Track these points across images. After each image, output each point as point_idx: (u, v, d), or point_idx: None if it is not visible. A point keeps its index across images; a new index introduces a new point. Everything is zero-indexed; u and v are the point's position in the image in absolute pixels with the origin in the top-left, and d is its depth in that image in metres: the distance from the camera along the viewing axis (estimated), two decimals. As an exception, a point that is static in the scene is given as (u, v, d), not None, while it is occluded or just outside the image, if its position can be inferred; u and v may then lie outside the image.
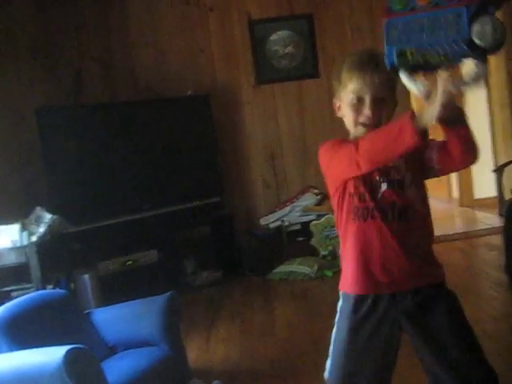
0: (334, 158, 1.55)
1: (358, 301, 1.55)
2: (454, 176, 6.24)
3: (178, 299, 2.67)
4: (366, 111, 1.53)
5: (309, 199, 4.93)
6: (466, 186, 6.24)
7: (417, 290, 1.53)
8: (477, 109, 5.78)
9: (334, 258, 4.64)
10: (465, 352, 1.50)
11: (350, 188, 1.55)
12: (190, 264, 4.64)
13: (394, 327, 1.53)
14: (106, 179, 4.39)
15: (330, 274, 4.39)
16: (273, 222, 4.93)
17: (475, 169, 5.41)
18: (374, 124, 1.53)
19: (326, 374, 1.63)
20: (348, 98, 1.56)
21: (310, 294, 4.05)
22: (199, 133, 4.87)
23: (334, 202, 1.61)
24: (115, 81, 5.04)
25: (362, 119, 1.54)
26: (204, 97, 4.91)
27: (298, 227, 4.88)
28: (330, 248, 4.67)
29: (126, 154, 4.50)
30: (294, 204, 4.93)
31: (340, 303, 1.61)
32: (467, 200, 6.23)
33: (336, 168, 1.56)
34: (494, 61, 5.60)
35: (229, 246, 4.81)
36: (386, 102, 1.55)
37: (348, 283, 1.58)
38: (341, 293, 1.62)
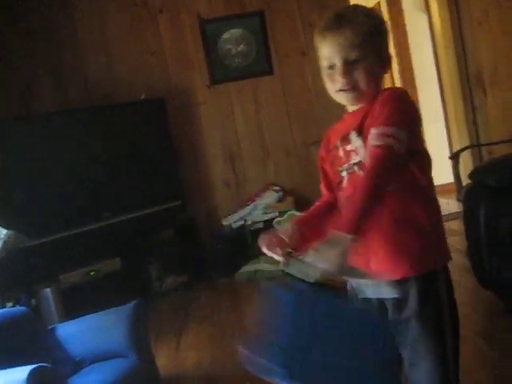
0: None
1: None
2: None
3: (144, 307, 2.62)
4: (338, 77, 1.42)
5: (270, 197, 4.92)
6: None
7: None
8: (430, 96, 5.89)
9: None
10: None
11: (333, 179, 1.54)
12: (154, 270, 4.56)
13: None
14: (63, 189, 4.27)
15: (296, 270, 4.38)
16: (235, 221, 4.91)
17: (432, 156, 5.49)
18: (352, 89, 1.42)
19: None
20: (323, 66, 1.47)
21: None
22: (156, 137, 4.80)
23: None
24: (67, 88, 4.92)
25: (337, 86, 1.44)
26: (158, 100, 4.84)
27: (260, 225, 4.85)
28: (295, 244, 4.66)
29: (82, 163, 4.40)
30: (256, 202, 4.91)
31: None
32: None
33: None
34: (444, 49, 5.69)
35: (193, 249, 4.75)
36: (363, 62, 1.41)
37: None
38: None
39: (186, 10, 5.15)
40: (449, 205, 5.62)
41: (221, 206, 5.18)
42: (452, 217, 4.99)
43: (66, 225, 4.17)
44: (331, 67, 1.43)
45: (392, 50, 6.28)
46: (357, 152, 1.42)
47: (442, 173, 5.78)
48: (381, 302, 1.45)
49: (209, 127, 5.19)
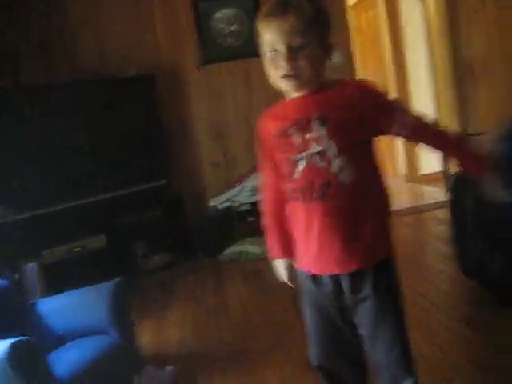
0: None
1: (311, 278, 1.54)
2: (399, 152, 6.34)
3: (127, 284, 2.60)
4: (282, 63, 1.39)
5: (258, 179, 4.89)
6: (412, 162, 6.35)
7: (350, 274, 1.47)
8: (422, 84, 5.89)
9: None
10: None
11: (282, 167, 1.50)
12: (140, 248, 4.55)
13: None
14: (48, 164, 4.21)
15: (281, 253, 4.38)
16: (222, 202, 4.89)
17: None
18: (296, 75, 1.40)
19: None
20: (266, 52, 1.44)
21: (261, 273, 4.03)
22: (144, 114, 4.74)
23: None
24: (54, 61, 4.84)
25: (280, 72, 1.41)
26: (148, 77, 4.77)
27: (248, 207, 4.84)
28: (281, 227, 4.66)
29: (69, 137, 4.34)
30: (244, 184, 4.90)
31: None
32: (413, 176, 6.34)
33: None
34: (438, 37, 5.67)
35: (179, 229, 4.74)
36: (307, 49, 1.39)
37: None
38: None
39: (180, -13, 5.07)
40: (436, 193, 5.65)
41: (208, 187, 5.16)
42: (438, 205, 5.02)
43: (51, 200, 4.12)
44: (274, 53, 1.41)
45: (387, 39, 6.27)
46: (318, 141, 1.42)
47: (430, 162, 5.82)
48: (337, 282, 1.49)
49: (198, 106, 5.15)
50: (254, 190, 4.85)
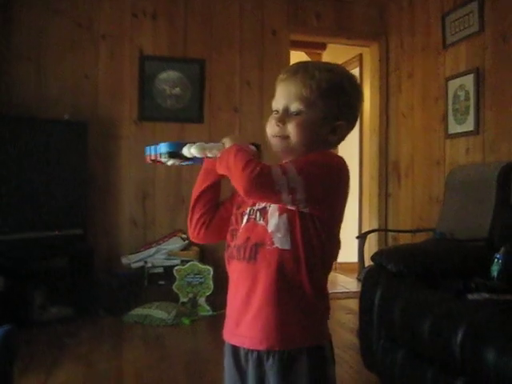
0: None
1: (230, 350, 1.40)
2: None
3: (15, 335, 2.41)
4: (274, 122, 1.37)
5: (175, 243, 4.81)
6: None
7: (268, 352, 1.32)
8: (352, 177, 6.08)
9: (193, 306, 4.53)
10: None
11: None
12: (39, 296, 4.29)
13: None
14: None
15: (187, 322, 4.26)
16: (135, 262, 4.75)
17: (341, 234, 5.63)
18: (283, 138, 1.35)
19: None
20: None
21: (163, 341, 3.88)
22: (71, 160, 4.63)
23: None
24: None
25: (271, 131, 1.38)
26: (82, 124, 4.70)
27: (160, 270, 4.73)
28: (191, 295, 4.56)
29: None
30: (160, 246, 4.79)
31: None
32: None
33: None
34: (368, 132, 5.94)
35: (85, 282, 4.53)
36: (302, 116, 1.34)
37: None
38: None
39: (129, 42, 5.11)
40: (349, 283, 5.74)
41: (124, 244, 5.02)
42: (350, 295, 5.09)
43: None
44: (275, 112, 1.39)
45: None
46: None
47: (348, 251, 5.94)
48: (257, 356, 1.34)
49: (128, 162, 5.08)
50: (170, 255, 4.76)
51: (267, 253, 1.31)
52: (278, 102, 1.38)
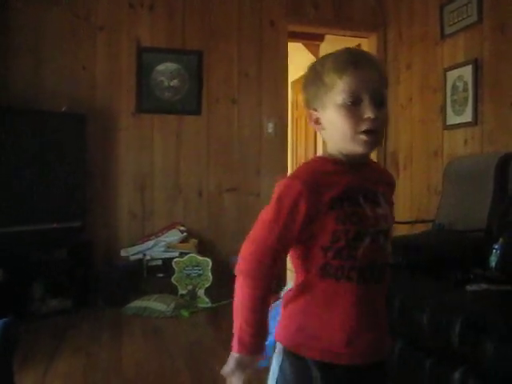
0: None
1: (323, 368, 1.20)
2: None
3: (15, 327, 2.42)
4: (368, 113, 1.16)
5: (174, 235, 4.82)
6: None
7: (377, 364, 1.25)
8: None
9: (192, 298, 4.54)
10: None
11: (324, 240, 1.19)
12: (38, 289, 4.29)
13: None
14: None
15: (186, 314, 4.27)
16: (134, 254, 4.75)
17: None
18: (377, 132, 1.18)
19: None
20: (337, 101, 1.18)
21: (162, 333, 3.89)
22: (69, 152, 4.61)
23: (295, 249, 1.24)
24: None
25: (362, 127, 1.17)
26: (80, 116, 4.69)
27: (159, 263, 4.73)
28: (190, 287, 4.57)
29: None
30: (159, 239, 4.79)
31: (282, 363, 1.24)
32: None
33: None
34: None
35: (84, 275, 4.53)
36: (385, 105, 1.20)
37: (308, 344, 1.21)
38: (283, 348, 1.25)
39: (127, 34, 5.09)
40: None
41: (122, 236, 5.02)
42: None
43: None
44: (355, 103, 1.17)
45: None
46: (386, 219, 1.25)
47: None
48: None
49: (126, 154, 5.07)
50: (168, 247, 4.76)
51: (386, 273, 1.27)
52: (360, 88, 1.17)
